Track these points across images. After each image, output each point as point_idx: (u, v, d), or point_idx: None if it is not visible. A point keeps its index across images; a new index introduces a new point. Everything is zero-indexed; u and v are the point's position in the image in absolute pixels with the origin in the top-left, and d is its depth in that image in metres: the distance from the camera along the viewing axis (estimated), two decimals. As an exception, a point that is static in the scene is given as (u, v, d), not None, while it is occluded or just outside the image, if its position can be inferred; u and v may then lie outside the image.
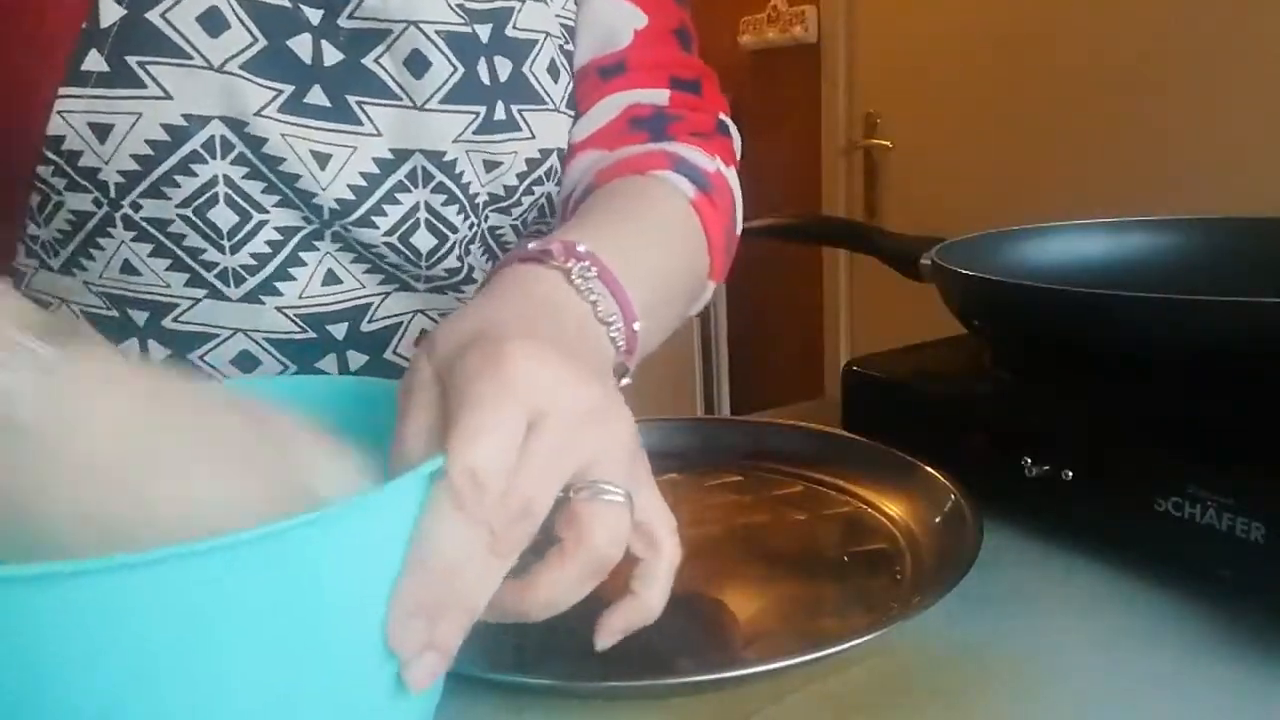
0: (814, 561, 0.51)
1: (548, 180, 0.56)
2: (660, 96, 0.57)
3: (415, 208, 0.51)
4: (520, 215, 0.57)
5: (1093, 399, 0.53)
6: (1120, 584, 0.48)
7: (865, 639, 0.40)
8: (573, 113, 0.56)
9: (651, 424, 0.65)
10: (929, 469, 0.54)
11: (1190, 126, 1.50)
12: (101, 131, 0.44)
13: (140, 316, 0.51)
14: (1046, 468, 0.50)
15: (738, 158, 0.61)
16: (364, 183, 0.49)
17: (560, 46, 0.55)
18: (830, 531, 0.54)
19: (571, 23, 0.56)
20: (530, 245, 0.39)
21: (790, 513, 0.56)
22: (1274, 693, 0.40)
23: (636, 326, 0.40)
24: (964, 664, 0.42)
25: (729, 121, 0.62)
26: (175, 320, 0.51)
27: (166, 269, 0.49)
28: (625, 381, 0.40)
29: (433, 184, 0.51)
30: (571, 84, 0.56)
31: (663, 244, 0.50)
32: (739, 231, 0.61)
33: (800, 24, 2.12)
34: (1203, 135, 1.49)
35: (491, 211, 0.55)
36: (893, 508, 0.55)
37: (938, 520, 0.52)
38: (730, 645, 0.45)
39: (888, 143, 2.01)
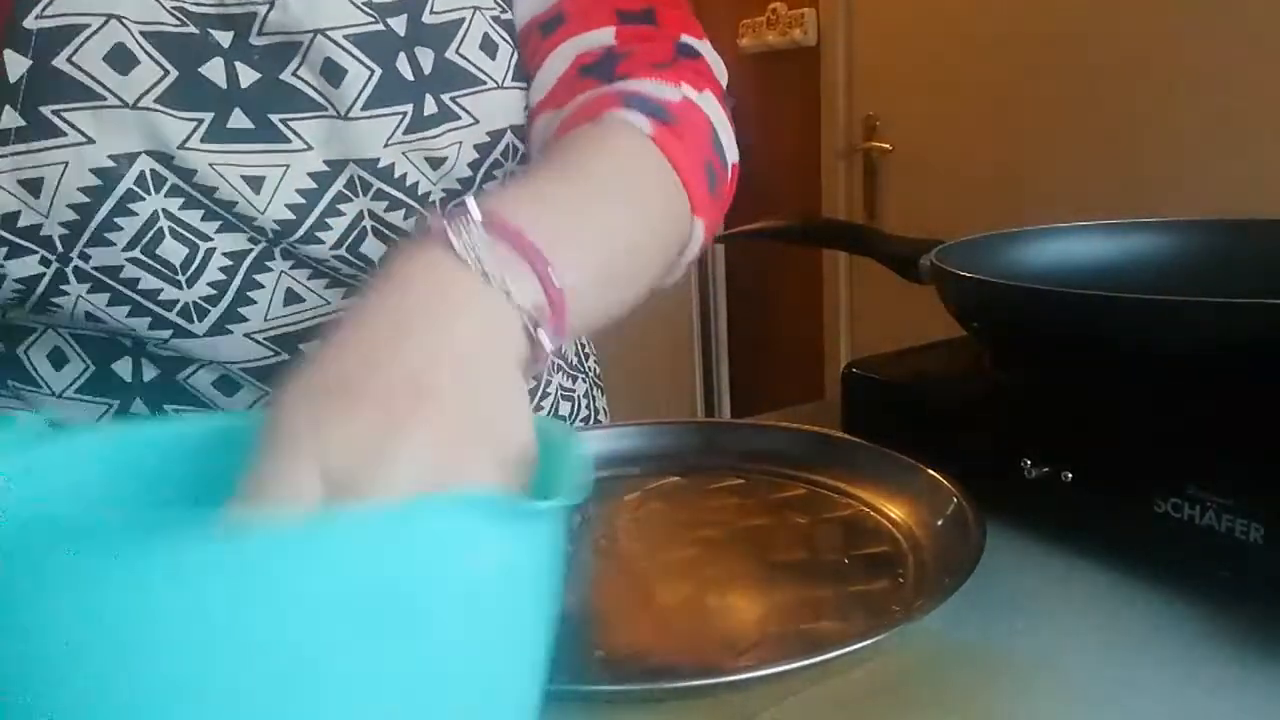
0: (815, 564, 0.51)
1: (508, 160, 0.54)
2: (606, 35, 0.53)
3: (359, 217, 0.50)
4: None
5: (1092, 400, 0.53)
6: (1121, 585, 0.48)
7: (867, 642, 0.40)
8: (523, 84, 0.53)
9: (652, 426, 0.65)
10: (930, 471, 0.54)
11: (1189, 129, 1.50)
12: (33, 186, 0.43)
13: (125, 340, 0.51)
14: (1046, 469, 0.50)
15: (717, 78, 0.56)
16: (302, 200, 0.48)
17: (495, 18, 0.52)
18: (831, 534, 0.54)
19: None
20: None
21: (791, 515, 0.56)
22: (1274, 693, 0.40)
23: (558, 283, 0.34)
24: (966, 666, 0.42)
25: (694, 43, 0.56)
26: (155, 347, 0.51)
27: (128, 315, 0.48)
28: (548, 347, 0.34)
29: (372, 191, 0.49)
30: (515, 54, 0.53)
31: (615, 194, 0.44)
32: (731, 158, 0.55)
33: (799, 27, 2.13)
34: (1201, 138, 1.49)
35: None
36: (894, 510, 0.55)
37: (939, 523, 0.52)
38: (731, 648, 0.45)
39: (887, 145, 2.01)
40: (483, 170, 0.52)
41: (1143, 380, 0.52)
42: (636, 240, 0.44)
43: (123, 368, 0.52)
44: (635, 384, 2.28)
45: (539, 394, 0.66)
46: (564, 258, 0.34)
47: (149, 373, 0.52)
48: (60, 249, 0.45)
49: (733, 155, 0.56)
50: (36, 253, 0.45)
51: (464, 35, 0.50)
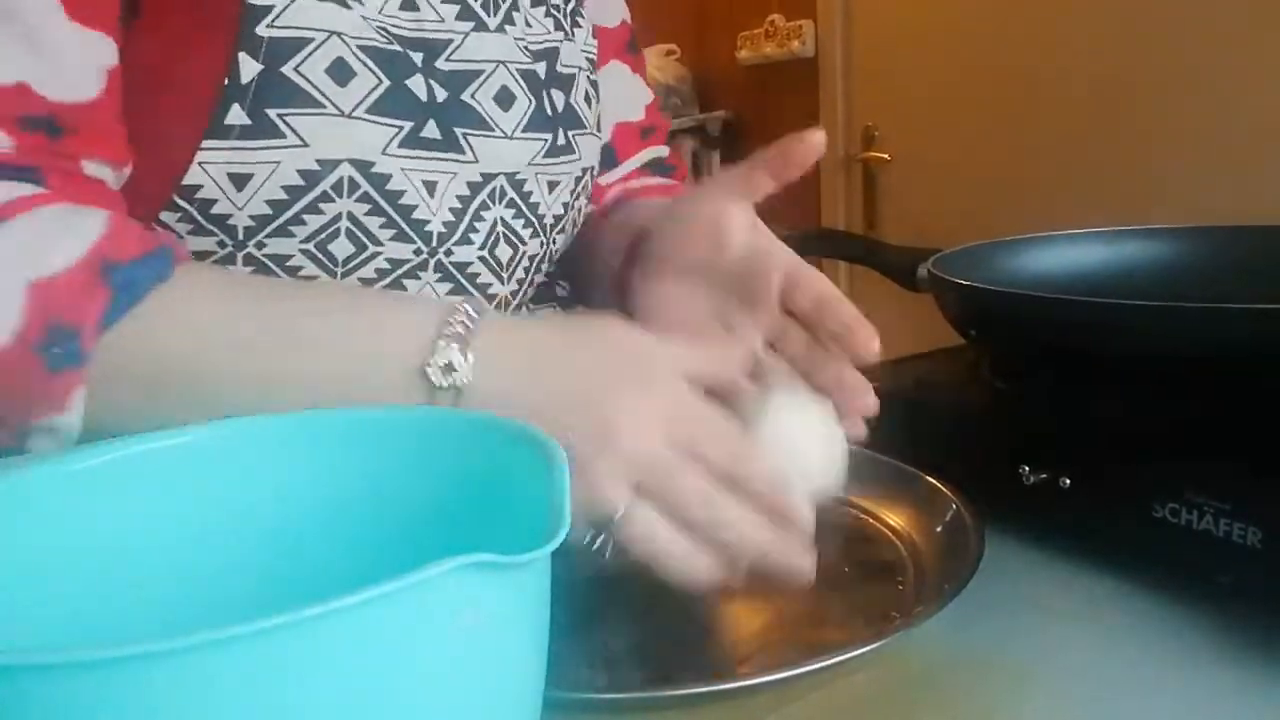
0: (816, 572, 0.52)
1: (584, 196, 0.63)
2: (662, 151, 0.74)
3: (495, 223, 0.56)
4: (568, 232, 0.63)
5: (1090, 407, 0.53)
6: (1119, 590, 0.48)
7: (868, 648, 0.40)
8: (600, 135, 0.64)
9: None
10: (930, 479, 0.54)
11: (1184, 138, 1.51)
12: (240, 180, 0.47)
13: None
14: (1044, 475, 0.50)
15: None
16: (459, 204, 0.54)
17: (588, 77, 0.63)
18: (832, 542, 0.54)
19: (594, 57, 0.64)
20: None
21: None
22: (1273, 696, 0.40)
23: None
24: (966, 672, 0.43)
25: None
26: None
27: None
28: None
29: (506, 200, 0.56)
30: (599, 106, 0.64)
31: None
32: None
33: (798, 39, 2.14)
34: (1198, 147, 1.49)
35: (557, 235, 0.61)
36: (894, 518, 0.55)
37: (939, 529, 0.52)
38: (733, 655, 0.45)
39: (886, 155, 2.02)
40: (575, 199, 0.62)
41: (1140, 386, 0.52)
42: None
43: None
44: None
45: None
46: None
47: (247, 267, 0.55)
48: (241, 238, 0.48)
49: None
50: (216, 236, 0.48)
51: (577, 86, 0.61)
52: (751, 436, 0.44)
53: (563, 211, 0.61)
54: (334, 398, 0.40)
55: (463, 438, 0.36)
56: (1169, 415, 0.51)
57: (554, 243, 0.61)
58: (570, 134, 0.59)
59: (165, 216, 0.47)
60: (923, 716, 0.40)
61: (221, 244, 0.48)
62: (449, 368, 0.40)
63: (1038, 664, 0.43)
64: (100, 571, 0.33)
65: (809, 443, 0.46)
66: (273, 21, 0.46)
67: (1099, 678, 0.42)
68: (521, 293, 0.61)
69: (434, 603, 0.25)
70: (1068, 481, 0.49)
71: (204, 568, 0.35)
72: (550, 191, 0.59)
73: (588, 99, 0.62)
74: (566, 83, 0.59)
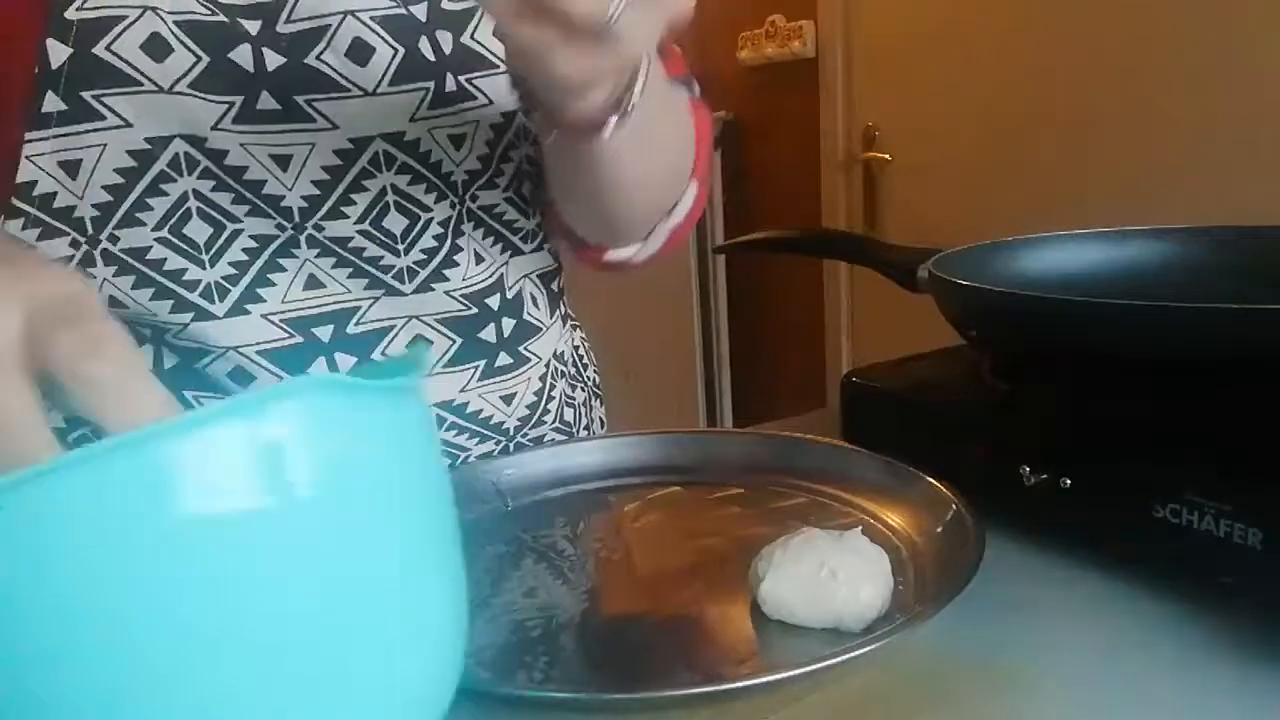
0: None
1: (522, 143, 0.58)
2: None
3: (383, 191, 0.52)
4: (509, 186, 0.58)
5: (1090, 407, 0.53)
6: (1120, 591, 0.48)
7: (867, 649, 0.40)
8: None
9: (653, 436, 0.66)
10: (929, 479, 0.54)
11: (1184, 138, 1.51)
12: (71, 168, 0.46)
13: (144, 331, 0.52)
14: (1045, 476, 0.50)
15: (701, 105, 0.66)
16: (326, 176, 0.51)
17: None
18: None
19: None
20: None
21: (792, 524, 0.56)
22: (1273, 696, 0.40)
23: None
24: (966, 673, 0.43)
25: (687, 80, 0.65)
26: (173, 338, 0.52)
27: (150, 299, 0.50)
28: (611, 123, 0.42)
29: (396, 165, 0.53)
30: None
31: (670, 89, 0.54)
32: (713, 154, 0.69)
33: (799, 39, 2.14)
34: (1199, 147, 1.49)
35: (478, 189, 0.57)
36: (894, 518, 0.55)
37: (939, 530, 0.52)
38: (732, 657, 0.45)
39: (886, 155, 2.02)
40: (500, 150, 0.56)
41: (1141, 386, 0.52)
42: (675, 119, 0.56)
43: (145, 356, 0.53)
44: (637, 393, 2.28)
45: (544, 398, 0.67)
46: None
47: (169, 361, 0.53)
48: (91, 230, 0.47)
49: (712, 151, 0.67)
50: (68, 235, 0.47)
51: (478, 22, 0.54)
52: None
53: (480, 166, 0.56)
54: None
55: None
56: (1169, 415, 0.51)
57: (474, 199, 0.56)
58: (463, 78, 0.53)
59: (11, 226, 0.46)
60: (923, 716, 0.40)
61: (74, 243, 0.48)
62: None
63: (1038, 664, 0.43)
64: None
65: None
66: (83, 4, 0.45)
67: (1099, 678, 0.42)
68: (436, 260, 0.56)
69: (296, 419, 0.25)
70: (1068, 481, 0.49)
71: None
72: (458, 147, 0.54)
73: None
74: (459, 19, 0.54)
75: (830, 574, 0.45)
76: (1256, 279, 0.62)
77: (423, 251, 0.55)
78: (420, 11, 0.52)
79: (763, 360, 2.47)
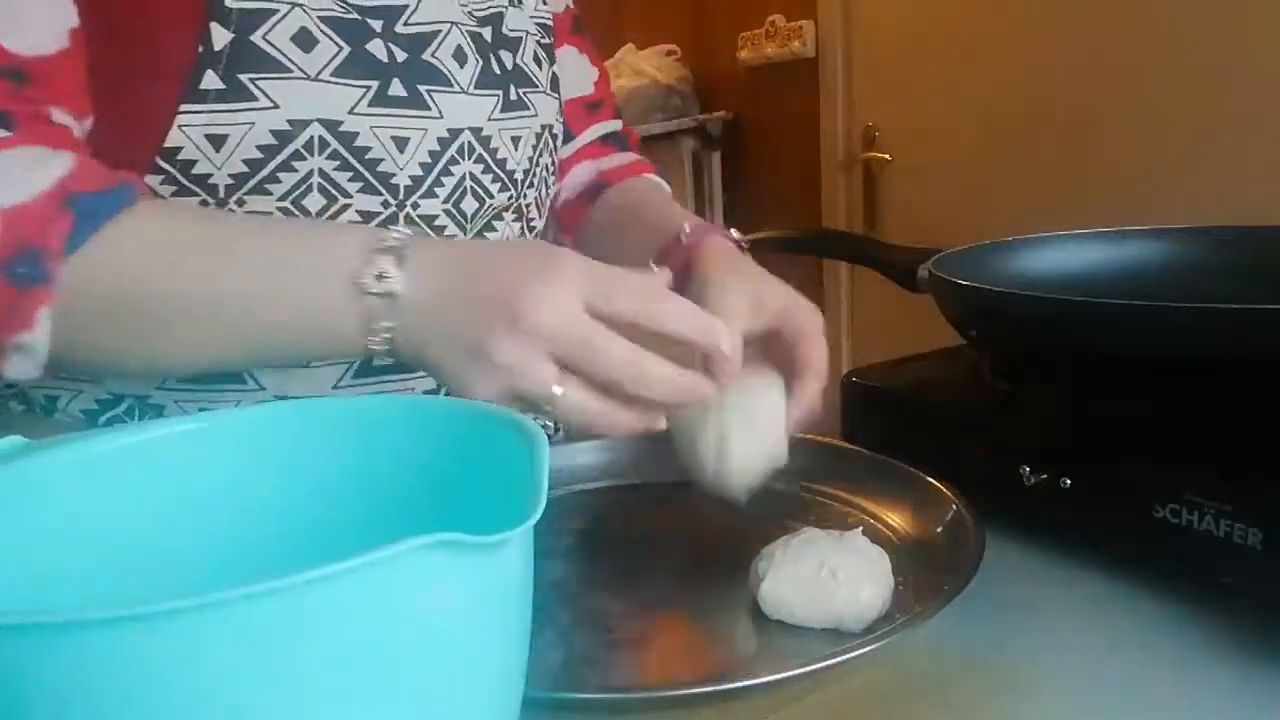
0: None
1: (548, 152, 0.68)
2: (616, 125, 0.80)
3: (463, 178, 0.60)
4: (537, 188, 0.67)
5: (1090, 407, 0.53)
6: (1120, 591, 0.48)
7: (867, 649, 0.40)
8: (556, 95, 0.69)
9: (654, 436, 0.65)
10: (930, 479, 0.55)
11: (1184, 138, 1.51)
12: (217, 141, 0.50)
13: None
14: (1045, 476, 0.50)
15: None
16: (429, 159, 0.57)
17: (539, 42, 0.67)
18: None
19: (548, 23, 0.70)
20: (715, 230, 0.60)
21: (793, 525, 0.57)
22: (1273, 696, 0.40)
23: None
24: (966, 673, 0.43)
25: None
26: None
27: None
28: None
29: (474, 156, 0.60)
30: (551, 71, 0.68)
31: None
32: None
33: (798, 39, 2.13)
34: (1197, 147, 1.49)
35: (527, 189, 0.65)
36: (894, 518, 0.55)
37: (939, 530, 0.52)
38: (732, 657, 0.45)
39: (887, 155, 2.02)
40: (536, 154, 0.65)
41: (1141, 386, 0.52)
42: None
43: None
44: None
45: None
46: None
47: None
48: (222, 195, 0.52)
49: None
50: (199, 195, 0.52)
51: (524, 48, 0.65)
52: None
53: (529, 166, 0.65)
54: (275, 315, 0.45)
55: (449, 424, 0.37)
56: (1169, 415, 0.51)
57: (524, 197, 0.65)
58: (521, 91, 0.63)
59: (149, 180, 0.50)
60: (923, 716, 0.40)
61: (204, 203, 0.52)
62: (382, 275, 0.43)
63: (1038, 664, 0.43)
64: (108, 551, 0.35)
65: (766, 414, 0.50)
66: None
67: (1099, 678, 0.42)
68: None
69: (402, 579, 0.26)
70: (1068, 481, 0.49)
71: (203, 550, 0.37)
72: (516, 147, 0.63)
73: (538, 60, 0.66)
74: (513, 44, 0.64)
75: (830, 574, 0.45)
76: (1256, 279, 0.62)
77: (477, 234, 0.62)
78: (488, 34, 0.62)
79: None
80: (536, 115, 0.65)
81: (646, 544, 0.56)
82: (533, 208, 0.67)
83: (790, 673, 0.39)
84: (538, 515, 0.28)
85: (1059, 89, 1.67)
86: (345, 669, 0.26)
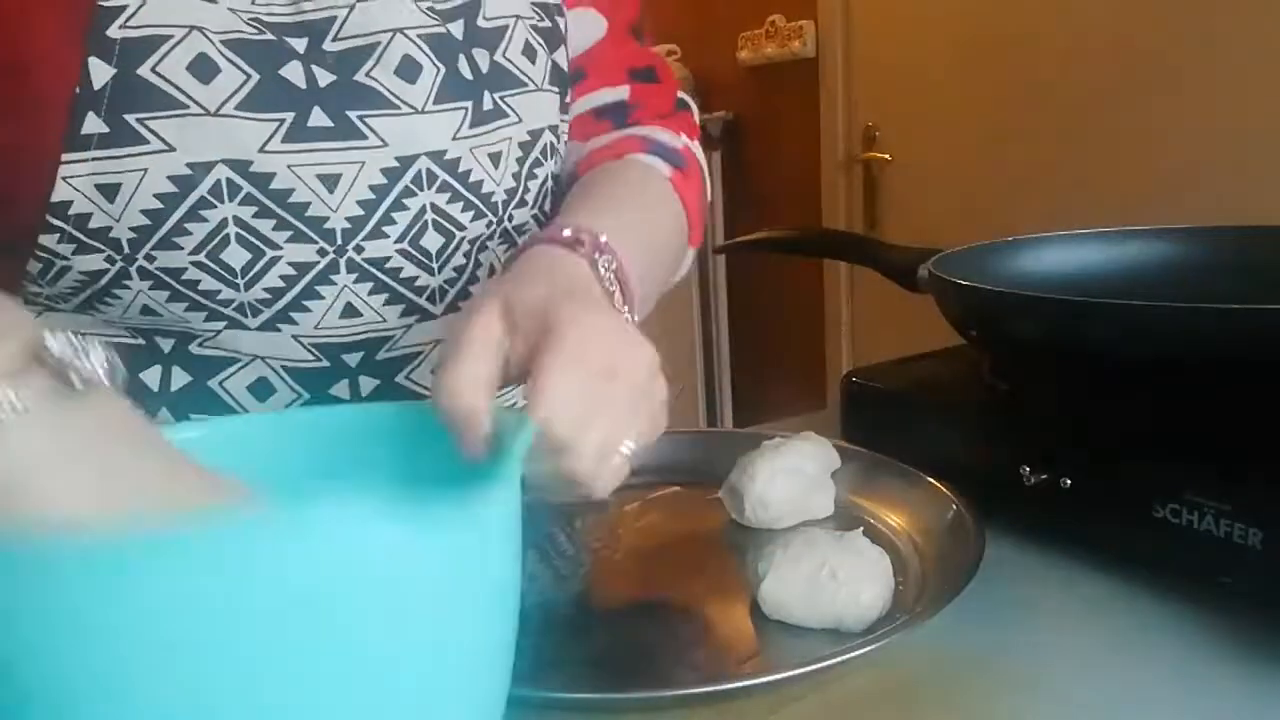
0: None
1: (546, 160, 0.58)
2: (621, 92, 0.63)
3: (422, 210, 0.52)
4: (534, 204, 0.58)
5: (1090, 407, 0.53)
6: (1120, 590, 0.48)
7: (867, 649, 0.40)
8: (556, 89, 0.58)
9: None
10: (930, 479, 0.55)
11: (1184, 138, 1.51)
12: (109, 191, 0.45)
13: (167, 344, 0.52)
14: (1045, 476, 0.50)
15: (698, 127, 0.68)
16: (372, 195, 0.50)
17: (533, 26, 0.57)
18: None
19: (547, 1, 0.58)
20: (561, 230, 0.45)
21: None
22: (1273, 696, 0.40)
23: (636, 317, 0.47)
24: (966, 673, 0.43)
25: (686, 98, 0.68)
26: (200, 346, 0.52)
27: (185, 310, 0.49)
28: None
29: (437, 184, 0.52)
30: (550, 61, 0.58)
31: (652, 224, 0.57)
32: (709, 198, 0.67)
33: (799, 39, 2.13)
34: (1197, 147, 1.49)
35: (514, 209, 0.57)
36: (894, 518, 0.55)
37: (939, 530, 0.52)
38: (732, 656, 0.45)
39: (887, 156, 2.02)
40: (526, 167, 0.56)
41: (1141, 386, 0.52)
42: (661, 266, 0.57)
43: (151, 377, 0.52)
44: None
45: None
46: (629, 258, 0.47)
47: (178, 381, 0.53)
48: (127, 250, 0.46)
49: (708, 194, 0.68)
50: (103, 251, 0.46)
51: (509, 40, 0.55)
52: None
53: (515, 184, 0.56)
54: None
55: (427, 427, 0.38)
56: (1169, 415, 0.51)
57: (510, 219, 0.57)
58: (499, 97, 0.54)
59: (45, 240, 0.46)
60: (923, 716, 0.40)
61: (110, 259, 0.47)
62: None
63: (1038, 664, 0.43)
64: None
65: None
66: (126, 22, 0.44)
67: (1099, 678, 0.42)
68: (463, 279, 0.56)
69: (345, 543, 0.26)
70: (1068, 481, 0.49)
71: None
72: (496, 165, 0.54)
73: (529, 51, 0.56)
74: (492, 38, 0.54)
75: (830, 574, 0.45)
76: (1257, 279, 0.62)
77: (454, 270, 0.55)
78: (458, 30, 0.52)
79: (763, 360, 2.47)
80: (521, 122, 0.55)
81: (647, 544, 0.56)
82: (529, 228, 0.59)
83: (790, 673, 0.39)
84: (492, 502, 0.29)
85: (1059, 89, 1.67)
86: (282, 625, 0.26)
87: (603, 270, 0.45)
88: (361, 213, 0.50)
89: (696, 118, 0.68)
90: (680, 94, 0.67)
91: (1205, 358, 0.49)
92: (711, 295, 2.47)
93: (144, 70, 0.44)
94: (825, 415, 0.75)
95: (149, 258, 0.47)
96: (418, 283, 0.54)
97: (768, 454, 0.56)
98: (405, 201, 0.51)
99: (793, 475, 0.55)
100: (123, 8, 0.44)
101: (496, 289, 0.41)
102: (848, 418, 0.65)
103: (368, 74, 0.49)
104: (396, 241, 0.51)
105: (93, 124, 0.44)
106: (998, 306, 0.56)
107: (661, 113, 0.64)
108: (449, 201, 0.53)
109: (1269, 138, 1.41)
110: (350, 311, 0.52)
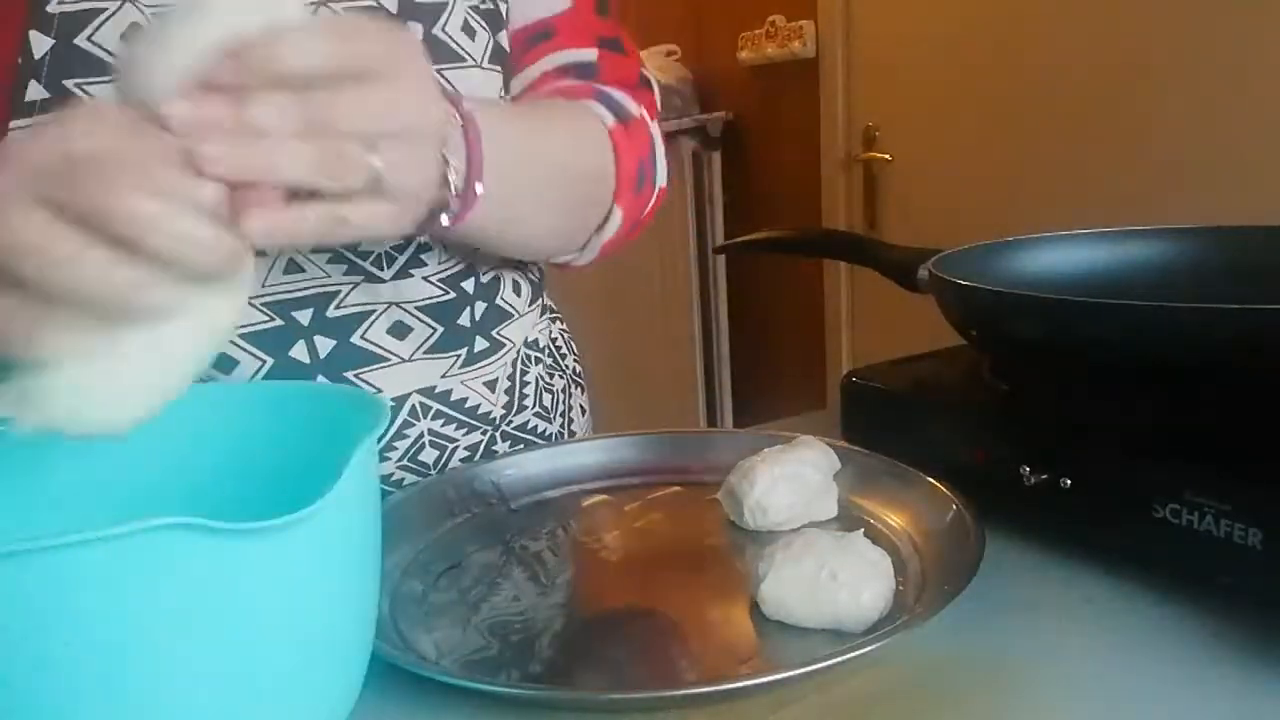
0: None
1: None
2: (589, 54, 0.64)
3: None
4: None
5: (1090, 407, 0.53)
6: (1120, 591, 0.48)
7: (867, 649, 0.40)
8: (497, 68, 0.60)
9: (653, 436, 0.66)
10: (929, 479, 0.54)
11: (1184, 138, 1.51)
12: None
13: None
14: (1045, 476, 0.50)
15: (657, 108, 0.68)
16: None
17: (473, 7, 0.58)
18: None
19: None
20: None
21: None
22: (1273, 696, 0.40)
23: (479, 188, 0.46)
24: (966, 673, 0.43)
25: (650, 76, 0.68)
26: None
27: None
28: (444, 221, 0.45)
29: None
30: (492, 41, 0.59)
31: (559, 140, 0.56)
32: (660, 181, 0.66)
33: (799, 39, 2.13)
34: (1197, 147, 1.49)
35: None
36: (894, 518, 0.55)
37: (939, 530, 0.52)
38: (732, 656, 0.45)
39: (887, 156, 2.02)
40: None
41: (1140, 386, 0.52)
42: (558, 182, 0.55)
43: None
44: (636, 393, 2.28)
45: (518, 383, 0.67)
46: (494, 133, 0.46)
47: None
48: None
49: (662, 179, 0.66)
50: None
51: (448, 17, 0.56)
52: None
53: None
54: None
55: (308, 405, 0.41)
56: (1169, 415, 0.51)
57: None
58: (435, 69, 0.52)
59: None
60: (923, 717, 0.40)
61: None
62: None
63: (1038, 664, 0.43)
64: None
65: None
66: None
67: (1099, 678, 0.42)
68: (411, 246, 0.57)
69: (140, 556, 0.28)
70: (1068, 481, 0.49)
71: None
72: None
73: (468, 29, 0.57)
74: (429, 13, 0.55)
75: (831, 575, 0.45)
76: (1257, 279, 0.62)
77: (401, 236, 0.56)
78: (391, 4, 0.54)
79: (763, 360, 2.47)
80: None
81: (646, 544, 0.56)
82: None
83: (790, 673, 0.39)
84: (318, 509, 0.30)
85: (1059, 89, 1.67)
86: (108, 637, 0.28)
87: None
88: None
89: (658, 100, 0.68)
90: (645, 70, 0.68)
91: (1206, 358, 0.49)
92: (711, 295, 2.47)
93: (80, 40, 0.47)
94: (825, 415, 0.75)
95: None
96: (360, 248, 0.55)
97: (768, 460, 0.56)
98: None
99: (793, 481, 0.55)
100: None
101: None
102: (848, 418, 0.64)
103: None
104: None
105: (35, 90, 0.47)
106: (997, 306, 0.56)
107: (626, 83, 0.65)
108: None
109: (1269, 138, 1.42)
110: (294, 267, 0.54)
